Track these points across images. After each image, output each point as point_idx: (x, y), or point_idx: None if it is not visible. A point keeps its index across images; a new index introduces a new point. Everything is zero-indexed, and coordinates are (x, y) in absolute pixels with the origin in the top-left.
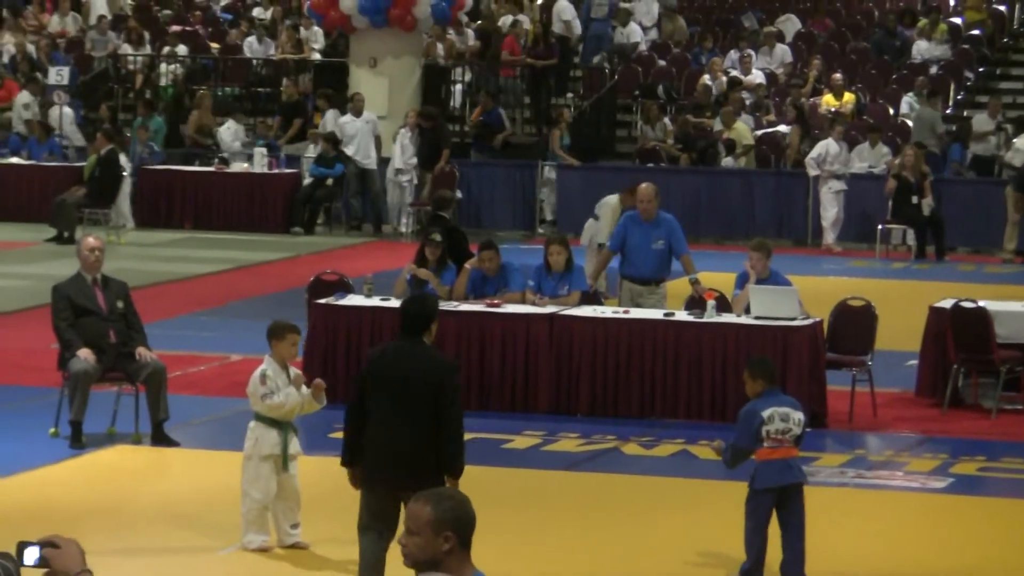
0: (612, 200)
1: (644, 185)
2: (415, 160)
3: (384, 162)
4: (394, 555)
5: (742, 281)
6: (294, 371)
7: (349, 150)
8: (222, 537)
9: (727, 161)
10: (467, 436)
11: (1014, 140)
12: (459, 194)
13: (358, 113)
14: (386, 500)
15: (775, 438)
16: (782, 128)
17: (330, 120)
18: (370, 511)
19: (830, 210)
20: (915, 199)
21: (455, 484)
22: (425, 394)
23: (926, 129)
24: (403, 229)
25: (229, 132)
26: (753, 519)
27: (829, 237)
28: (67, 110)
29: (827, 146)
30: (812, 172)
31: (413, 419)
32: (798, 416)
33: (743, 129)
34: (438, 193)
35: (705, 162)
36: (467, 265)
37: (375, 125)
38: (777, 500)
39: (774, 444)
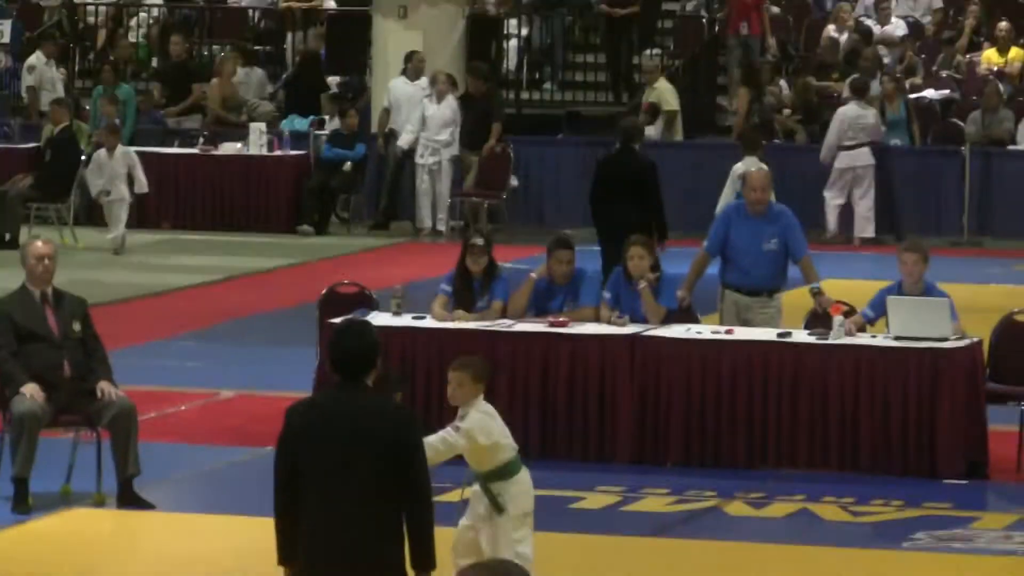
0: (739, 168)
1: (755, 170)
2: (445, 136)
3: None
4: None
5: (880, 299)
6: None
7: (397, 122)
8: None
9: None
10: None
11: None
12: (514, 181)
13: (417, 75)
14: None
15: None
16: (929, 94)
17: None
18: None
19: None
20: None
21: None
22: (376, 461)
23: None
24: (440, 227)
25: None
26: None
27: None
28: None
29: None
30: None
31: (361, 497)
32: None
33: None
34: (624, 122)
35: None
36: (532, 274)
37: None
38: None
39: None
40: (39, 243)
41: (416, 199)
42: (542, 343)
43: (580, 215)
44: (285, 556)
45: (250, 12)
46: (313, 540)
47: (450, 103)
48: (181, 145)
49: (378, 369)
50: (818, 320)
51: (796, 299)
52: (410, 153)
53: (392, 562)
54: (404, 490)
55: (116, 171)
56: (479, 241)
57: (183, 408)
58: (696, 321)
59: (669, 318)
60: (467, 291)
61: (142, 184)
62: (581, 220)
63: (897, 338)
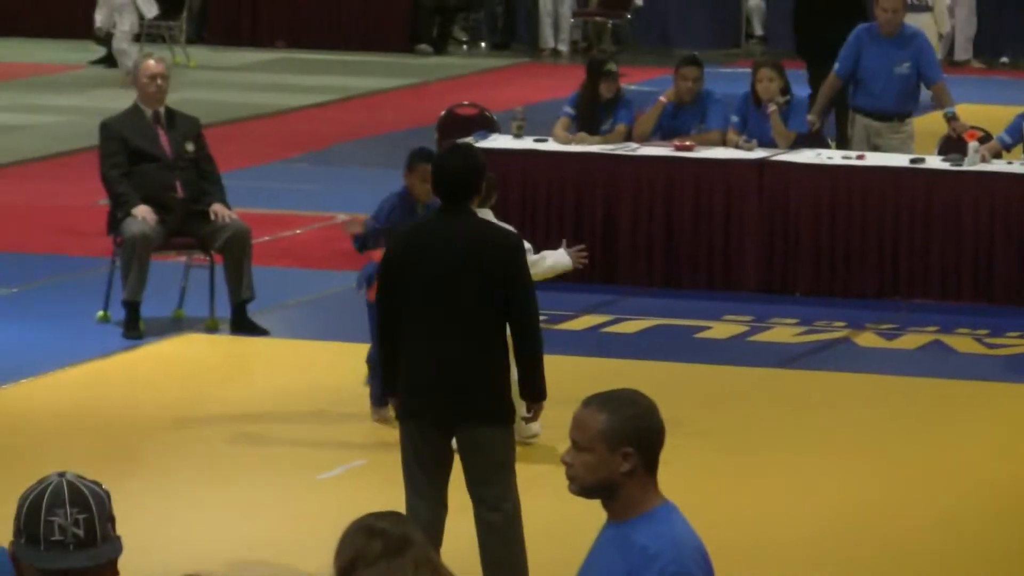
0: None
1: None
2: None
3: None
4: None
5: (1017, 124)
6: None
7: None
8: (322, 456)
9: None
10: (652, 322)
11: None
12: (639, 0)
13: None
14: (435, 440)
15: None
16: None
17: None
18: (416, 457)
19: None
20: None
21: (538, 411)
22: (481, 287)
23: None
24: (561, 47)
25: None
26: None
27: None
28: None
29: None
30: None
31: (466, 324)
32: None
33: None
34: None
35: None
36: (661, 98)
37: None
38: None
39: None
40: (151, 61)
41: (538, 18)
42: (667, 167)
43: (707, 35)
44: (390, 387)
45: None
46: (412, 368)
47: None
48: None
49: (482, 194)
50: (952, 146)
51: (929, 124)
52: None
53: (491, 393)
54: (511, 317)
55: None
56: (614, 68)
57: (297, 232)
58: (826, 146)
59: (798, 142)
60: (593, 113)
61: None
62: (707, 41)
63: None
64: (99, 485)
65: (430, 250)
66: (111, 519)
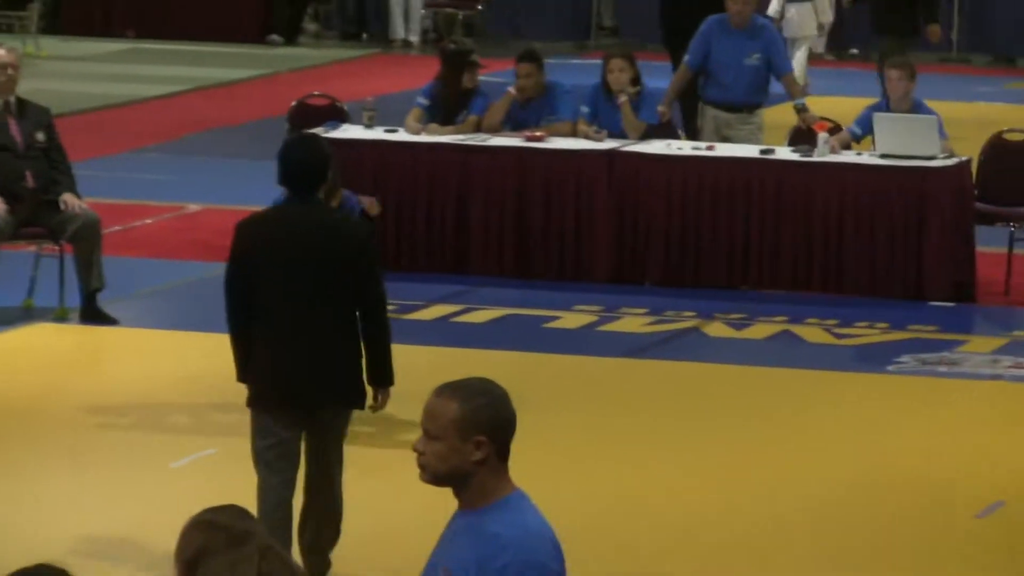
0: None
1: None
2: None
3: None
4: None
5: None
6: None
7: None
8: (173, 444)
9: None
10: (501, 312)
11: None
12: None
13: None
14: (286, 428)
15: None
16: None
17: None
18: (265, 441)
19: None
20: None
21: (386, 396)
22: (331, 276)
23: None
24: (412, 39)
25: None
26: None
27: None
28: None
29: None
30: None
31: (316, 313)
32: None
33: None
34: None
35: None
36: (510, 89)
37: None
38: None
39: None
40: (2, 51)
41: (389, 8)
42: (517, 158)
43: (558, 27)
44: (244, 373)
45: None
46: (267, 356)
47: None
48: None
49: (329, 182)
50: (802, 137)
51: (779, 116)
52: None
53: (345, 379)
54: (360, 305)
55: None
56: (476, 58)
57: (148, 222)
58: (676, 137)
59: (649, 133)
60: (451, 104)
61: None
62: (558, 32)
63: (883, 156)
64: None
65: (279, 240)
66: None
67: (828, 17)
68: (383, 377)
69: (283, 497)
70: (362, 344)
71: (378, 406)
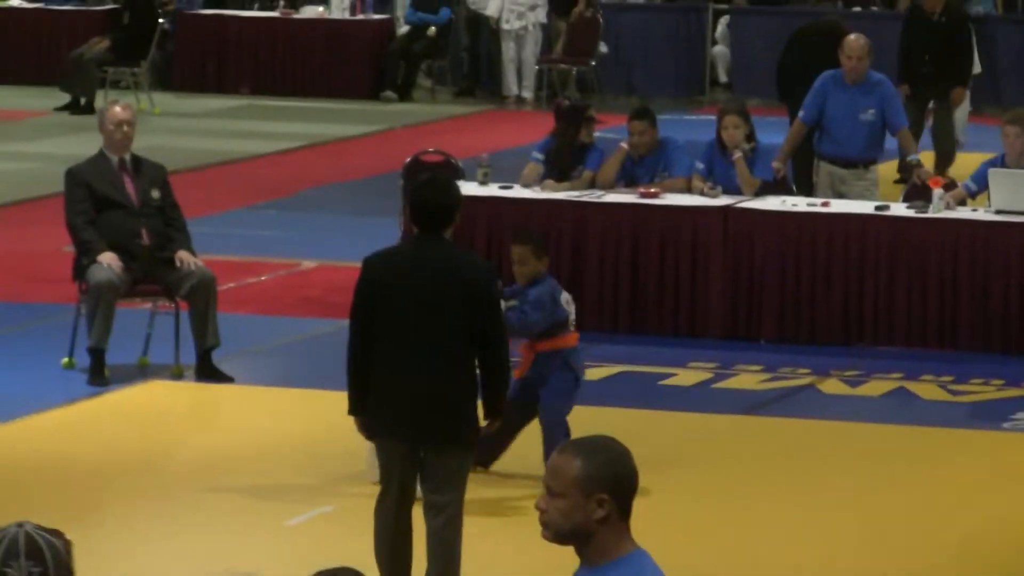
0: None
1: (852, 37)
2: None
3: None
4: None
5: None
6: None
7: None
8: (289, 502)
9: None
10: (616, 369)
11: None
12: (604, 47)
13: None
14: (402, 456)
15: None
16: None
17: None
18: (384, 469)
19: None
20: None
21: (494, 425)
22: (454, 311)
23: None
24: (525, 95)
25: None
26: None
27: None
28: None
29: None
30: None
31: (437, 346)
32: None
33: None
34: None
35: None
36: (623, 144)
37: None
38: None
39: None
40: (118, 108)
41: (502, 65)
42: (632, 214)
43: (671, 82)
44: (357, 407)
45: None
46: (384, 388)
47: None
48: (261, 8)
49: (457, 223)
50: (917, 193)
51: (894, 172)
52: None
53: (464, 410)
54: (481, 340)
55: None
56: (593, 113)
57: (263, 279)
58: (791, 193)
59: (763, 190)
60: (568, 159)
61: None
62: (672, 88)
63: (999, 212)
64: (60, 536)
65: (405, 276)
66: (69, 571)
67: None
68: (496, 409)
69: (389, 522)
70: (478, 381)
71: (487, 431)
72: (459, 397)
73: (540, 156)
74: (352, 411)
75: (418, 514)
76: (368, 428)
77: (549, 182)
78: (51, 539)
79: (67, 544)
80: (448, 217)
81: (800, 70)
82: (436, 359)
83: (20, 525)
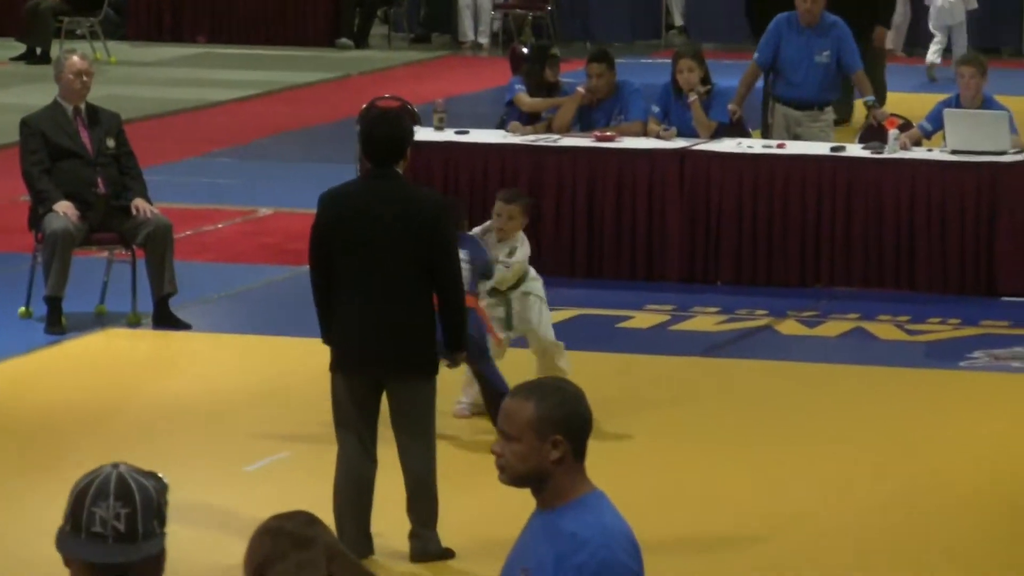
0: None
1: None
2: None
3: None
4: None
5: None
6: None
7: None
8: (247, 448)
9: None
10: (573, 312)
11: None
12: None
13: None
14: (364, 394)
15: None
16: None
17: None
18: (345, 404)
19: None
20: None
21: (459, 359)
22: (409, 245)
23: None
24: (481, 40)
25: None
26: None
27: None
28: None
29: None
30: None
31: (394, 281)
32: None
33: None
34: None
35: None
36: (579, 88)
37: None
38: None
39: None
40: (76, 58)
41: (458, 11)
42: (589, 158)
43: (626, 27)
44: (327, 336)
45: None
46: (343, 323)
47: None
48: None
49: (408, 160)
50: (873, 134)
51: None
52: None
53: (420, 344)
54: (437, 274)
55: None
56: (558, 53)
57: (219, 226)
58: (747, 135)
59: (719, 132)
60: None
61: None
62: (628, 32)
63: (954, 152)
64: (155, 478)
65: (360, 213)
66: (159, 515)
67: (974, 3)
68: (457, 342)
69: (355, 465)
70: (438, 312)
71: (451, 366)
72: (417, 327)
73: (521, 87)
74: (326, 340)
75: (383, 463)
76: (332, 360)
77: (516, 124)
78: (143, 481)
79: (161, 486)
80: (399, 150)
81: (767, 8)
82: (392, 291)
83: (115, 466)
